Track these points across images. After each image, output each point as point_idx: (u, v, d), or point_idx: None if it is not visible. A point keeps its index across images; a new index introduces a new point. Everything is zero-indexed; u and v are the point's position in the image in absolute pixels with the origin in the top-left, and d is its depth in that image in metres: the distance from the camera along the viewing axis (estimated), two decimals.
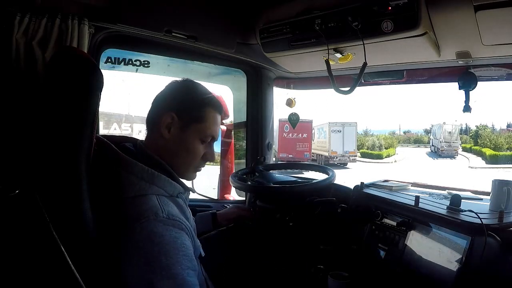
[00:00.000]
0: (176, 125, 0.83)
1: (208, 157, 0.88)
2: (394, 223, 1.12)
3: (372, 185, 1.42)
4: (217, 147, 1.93)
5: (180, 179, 0.87)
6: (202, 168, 0.91)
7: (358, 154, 20.32)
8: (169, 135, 0.84)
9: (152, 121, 0.87)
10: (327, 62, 1.17)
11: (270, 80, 1.70)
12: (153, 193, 0.77)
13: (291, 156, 14.19)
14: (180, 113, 0.83)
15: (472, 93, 1.20)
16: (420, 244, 1.03)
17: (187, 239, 0.75)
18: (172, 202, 0.80)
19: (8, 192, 0.69)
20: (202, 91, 0.89)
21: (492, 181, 1.11)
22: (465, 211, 1.00)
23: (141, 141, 0.89)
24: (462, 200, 1.07)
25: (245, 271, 1.25)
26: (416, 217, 1.08)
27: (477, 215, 0.93)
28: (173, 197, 0.82)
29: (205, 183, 2.04)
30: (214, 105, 0.88)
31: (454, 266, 0.92)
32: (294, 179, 1.65)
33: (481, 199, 1.24)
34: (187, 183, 0.91)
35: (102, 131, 1.38)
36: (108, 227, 0.74)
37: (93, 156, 0.77)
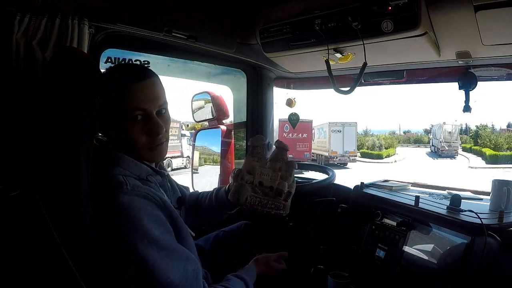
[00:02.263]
0: (104, 124, 0.82)
1: (152, 132, 0.80)
2: (394, 223, 1.12)
3: (372, 185, 1.42)
4: (217, 147, 1.94)
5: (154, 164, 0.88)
6: (160, 143, 0.84)
7: (358, 154, 20.31)
8: (106, 135, 0.84)
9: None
10: (327, 62, 1.17)
11: (270, 80, 1.70)
12: (119, 174, 0.78)
13: (291, 156, 14.09)
14: (101, 112, 0.79)
15: (472, 93, 1.20)
16: (420, 244, 1.03)
17: (158, 211, 0.75)
18: (141, 184, 0.80)
19: (8, 192, 0.69)
20: (107, 79, 0.82)
21: (492, 181, 1.12)
22: (465, 211, 1.00)
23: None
24: (462, 200, 1.07)
25: None
26: (416, 217, 1.08)
27: (477, 215, 0.93)
28: (142, 179, 0.82)
29: (205, 183, 2.04)
30: (124, 78, 0.80)
31: (454, 266, 0.92)
32: (294, 179, 1.65)
33: (481, 199, 1.24)
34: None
35: None
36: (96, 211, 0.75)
37: None
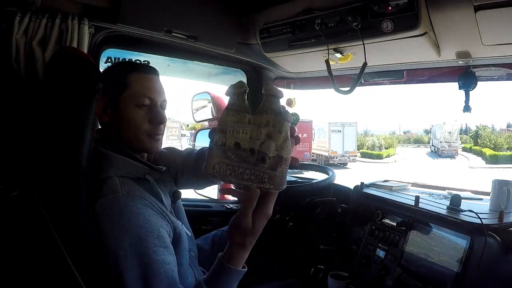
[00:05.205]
0: (109, 106, 0.84)
1: (153, 119, 0.85)
2: (394, 223, 1.12)
3: (372, 185, 1.42)
4: None
5: (150, 160, 0.89)
6: (160, 133, 0.88)
7: (358, 154, 20.32)
8: (108, 117, 0.85)
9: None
10: (327, 62, 1.17)
11: (270, 80, 1.70)
12: (116, 175, 0.79)
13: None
14: (106, 92, 0.81)
15: (472, 93, 1.20)
16: (420, 244, 1.03)
17: (153, 216, 0.75)
18: (139, 184, 0.80)
19: (8, 192, 0.70)
20: (119, 64, 0.90)
21: (492, 181, 1.11)
22: (465, 211, 1.00)
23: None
24: (462, 200, 1.07)
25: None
26: (416, 217, 1.08)
27: (477, 215, 0.93)
28: (140, 179, 0.82)
29: None
30: (136, 68, 0.86)
31: (454, 266, 0.92)
32: (294, 179, 1.65)
33: (481, 199, 1.24)
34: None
35: None
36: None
37: None
